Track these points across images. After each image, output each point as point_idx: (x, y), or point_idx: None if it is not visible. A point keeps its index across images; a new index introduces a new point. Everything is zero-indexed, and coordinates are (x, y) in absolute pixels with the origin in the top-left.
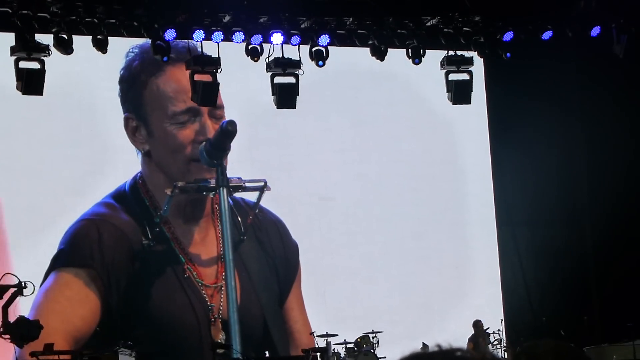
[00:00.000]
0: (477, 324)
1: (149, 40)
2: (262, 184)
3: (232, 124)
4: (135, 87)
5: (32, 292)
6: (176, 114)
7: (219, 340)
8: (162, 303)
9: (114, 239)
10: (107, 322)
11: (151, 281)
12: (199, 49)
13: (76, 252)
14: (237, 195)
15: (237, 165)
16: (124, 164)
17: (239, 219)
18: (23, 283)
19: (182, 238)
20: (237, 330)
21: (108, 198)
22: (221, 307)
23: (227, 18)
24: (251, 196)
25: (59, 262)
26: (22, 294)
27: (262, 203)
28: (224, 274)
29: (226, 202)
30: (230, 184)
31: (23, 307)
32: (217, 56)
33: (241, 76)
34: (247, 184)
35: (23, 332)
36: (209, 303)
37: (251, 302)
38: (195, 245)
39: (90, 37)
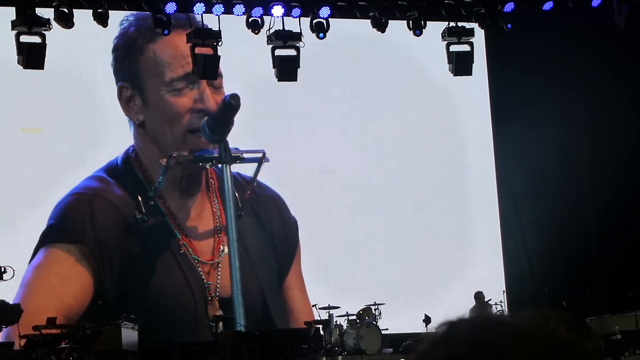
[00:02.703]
0: (479, 295)
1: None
2: (260, 155)
3: (235, 97)
4: (130, 54)
5: (12, 277)
6: (173, 80)
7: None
8: (157, 280)
9: (106, 213)
10: (101, 299)
11: (146, 257)
12: (198, 18)
13: (67, 227)
14: (234, 170)
15: (238, 138)
16: (123, 137)
17: (237, 194)
18: (2, 268)
19: (177, 213)
20: (242, 313)
21: (100, 172)
22: (218, 285)
23: None
24: (248, 169)
25: (48, 238)
26: (1, 279)
27: (262, 177)
28: (220, 250)
29: (230, 180)
30: None
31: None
32: (217, 29)
33: (242, 49)
34: (245, 155)
35: (2, 316)
36: (205, 281)
37: (249, 279)
38: (191, 220)
39: (91, 10)
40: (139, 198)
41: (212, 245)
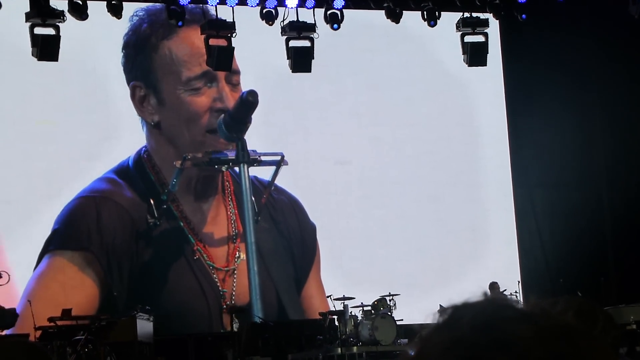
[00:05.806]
0: (493, 286)
1: (155, 4)
2: (278, 157)
3: (252, 94)
4: (144, 51)
5: (7, 282)
6: (191, 80)
7: (234, 328)
8: (170, 287)
9: (114, 217)
10: (109, 307)
11: (158, 263)
12: (212, 11)
13: (71, 233)
14: (251, 173)
15: (253, 130)
16: (138, 130)
17: (253, 199)
18: None
19: (191, 217)
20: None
21: (110, 173)
22: (234, 293)
23: None
24: (266, 173)
25: (52, 244)
26: None
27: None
28: (236, 257)
29: (247, 179)
30: None
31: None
32: (231, 20)
33: (256, 40)
34: (264, 158)
35: None
36: (220, 288)
37: (265, 286)
38: (206, 226)
39: (105, 2)
40: (151, 201)
41: (227, 251)
